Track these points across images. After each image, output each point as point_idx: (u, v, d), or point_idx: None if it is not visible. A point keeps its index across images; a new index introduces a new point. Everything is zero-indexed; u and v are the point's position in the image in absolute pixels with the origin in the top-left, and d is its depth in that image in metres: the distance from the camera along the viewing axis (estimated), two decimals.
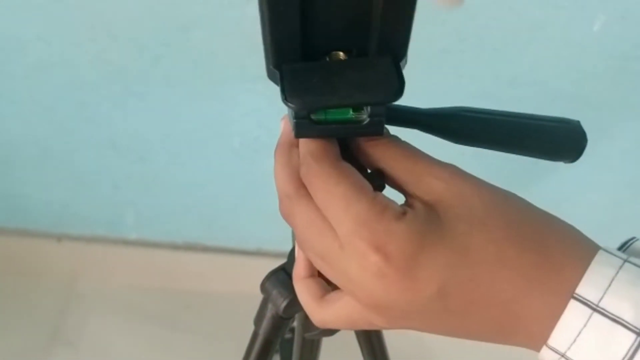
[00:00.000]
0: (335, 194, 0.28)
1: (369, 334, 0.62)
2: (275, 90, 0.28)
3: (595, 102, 0.91)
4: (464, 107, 0.34)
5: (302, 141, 0.30)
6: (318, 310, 0.33)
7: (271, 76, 0.29)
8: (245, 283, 0.95)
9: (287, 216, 0.31)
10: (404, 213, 0.27)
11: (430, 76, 0.87)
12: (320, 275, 0.35)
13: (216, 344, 1.18)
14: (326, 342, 0.59)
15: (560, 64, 0.86)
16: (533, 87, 0.89)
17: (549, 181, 1.01)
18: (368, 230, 0.27)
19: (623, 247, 0.30)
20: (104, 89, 0.95)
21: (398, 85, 0.26)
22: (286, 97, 0.26)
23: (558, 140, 0.35)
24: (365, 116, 0.29)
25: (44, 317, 1.21)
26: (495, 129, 0.34)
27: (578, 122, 0.35)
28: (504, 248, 0.27)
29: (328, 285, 0.34)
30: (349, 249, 0.27)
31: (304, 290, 0.34)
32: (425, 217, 0.27)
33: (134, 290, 1.25)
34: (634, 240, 0.30)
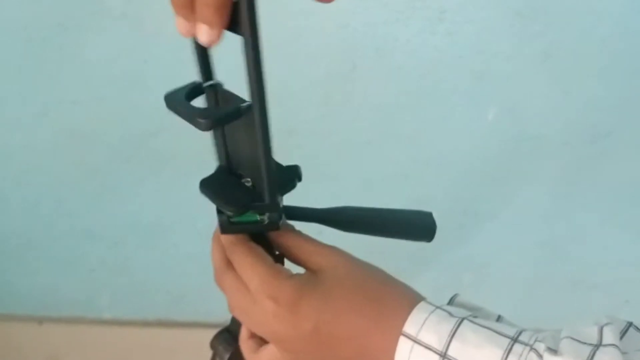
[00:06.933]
0: (247, 263, 0.42)
1: None
2: None
3: (500, 176, 1.08)
4: (348, 207, 0.48)
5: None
6: None
7: None
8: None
9: (219, 283, 0.45)
10: (292, 275, 0.41)
11: (360, 164, 1.03)
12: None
13: None
14: None
15: (467, 147, 1.04)
16: (447, 167, 1.06)
17: (474, 244, 1.17)
18: (267, 285, 0.40)
19: (450, 302, 0.41)
20: (81, 186, 1.09)
21: (240, 208, 0.42)
22: (200, 182, 0.43)
23: (415, 227, 0.48)
24: (266, 218, 0.43)
25: None
26: (369, 221, 0.47)
27: (430, 213, 0.48)
28: (354, 300, 0.40)
29: (263, 343, 0.47)
30: (257, 300, 0.40)
31: (245, 348, 0.47)
32: (307, 277, 0.41)
33: None
34: (456, 295, 0.42)
